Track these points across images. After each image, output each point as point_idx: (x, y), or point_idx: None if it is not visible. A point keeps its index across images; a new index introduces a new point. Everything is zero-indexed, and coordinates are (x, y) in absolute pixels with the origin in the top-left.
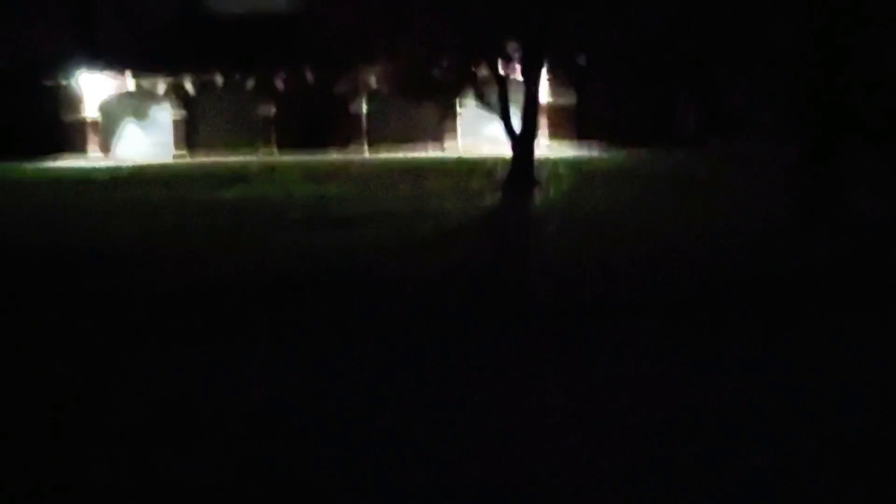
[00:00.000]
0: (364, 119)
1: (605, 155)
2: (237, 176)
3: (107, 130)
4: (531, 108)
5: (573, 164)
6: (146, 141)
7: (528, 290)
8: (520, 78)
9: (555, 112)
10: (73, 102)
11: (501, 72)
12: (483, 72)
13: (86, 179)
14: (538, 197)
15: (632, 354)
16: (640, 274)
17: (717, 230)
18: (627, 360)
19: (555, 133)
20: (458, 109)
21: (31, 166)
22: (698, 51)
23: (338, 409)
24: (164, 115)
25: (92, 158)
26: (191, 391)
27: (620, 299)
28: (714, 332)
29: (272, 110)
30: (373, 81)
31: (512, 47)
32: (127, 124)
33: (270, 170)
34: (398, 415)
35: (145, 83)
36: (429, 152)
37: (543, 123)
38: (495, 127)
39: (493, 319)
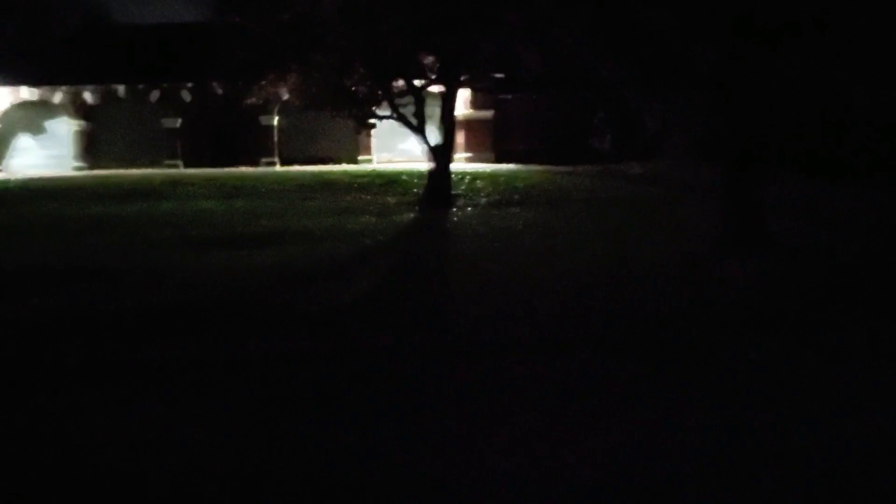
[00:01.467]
0: (276, 132)
1: (522, 171)
2: (138, 190)
3: (1, 143)
4: (448, 123)
5: (491, 180)
6: (44, 153)
7: (439, 321)
8: (436, 91)
9: (473, 126)
10: None
11: (417, 85)
12: (399, 84)
13: None
14: (454, 214)
15: (548, 395)
16: (556, 303)
17: (635, 253)
18: (543, 402)
19: (472, 147)
20: (374, 123)
21: None
22: (616, 73)
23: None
24: (64, 127)
25: None
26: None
27: (536, 333)
28: (638, 368)
29: (178, 122)
30: (285, 93)
31: (428, 62)
32: (23, 136)
33: (174, 183)
34: (277, 475)
35: (43, 93)
36: (343, 166)
37: (461, 138)
38: (411, 141)
39: (400, 356)
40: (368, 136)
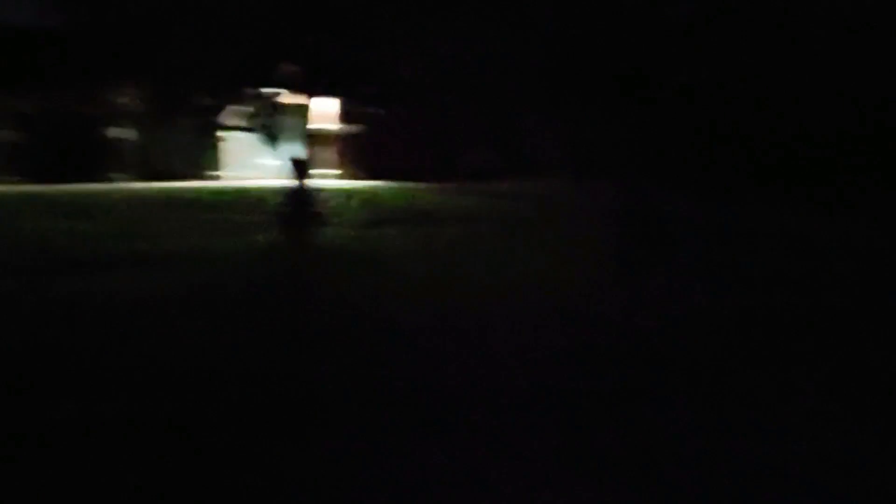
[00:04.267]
0: (126, 146)
1: (395, 188)
2: None
3: None
4: (309, 137)
5: (359, 198)
6: None
7: (286, 380)
8: (297, 102)
9: (339, 141)
10: None
11: (274, 95)
12: (253, 93)
13: None
14: (317, 234)
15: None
16: (427, 353)
17: (524, 282)
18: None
19: (339, 163)
20: (225, 136)
21: None
22: (500, 81)
23: None
24: None
25: None
26: None
27: (418, 391)
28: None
29: (16, 135)
30: (132, 103)
31: (287, 69)
32: None
33: (1, 202)
34: None
35: None
36: (199, 183)
37: (327, 153)
38: (269, 156)
39: (242, 428)
40: (224, 150)
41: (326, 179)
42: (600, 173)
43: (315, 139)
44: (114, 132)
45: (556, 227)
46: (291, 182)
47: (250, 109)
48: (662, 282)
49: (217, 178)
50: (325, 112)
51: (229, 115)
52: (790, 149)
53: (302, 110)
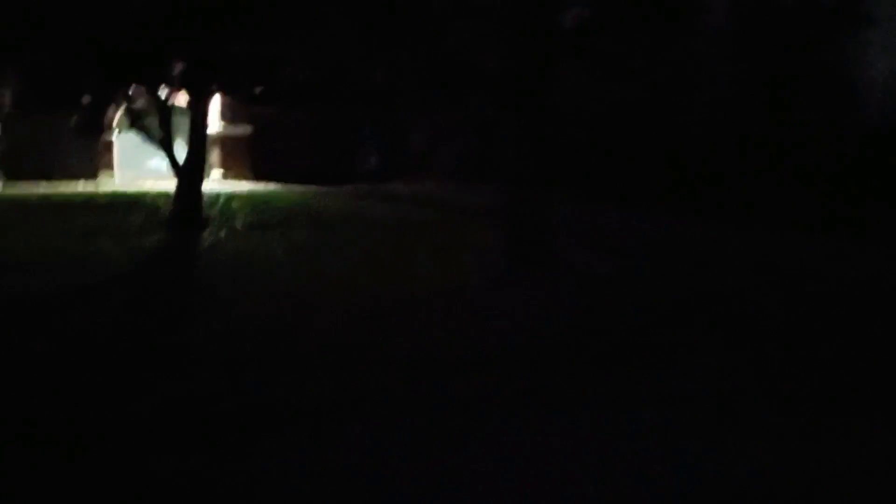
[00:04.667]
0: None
1: (283, 191)
2: None
3: None
4: (197, 137)
5: (248, 200)
6: None
7: (180, 391)
8: (185, 101)
9: (228, 143)
10: None
11: (159, 92)
12: (137, 91)
13: None
14: (206, 237)
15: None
16: (337, 351)
17: (405, 283)
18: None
19: (228, 165)
20: (114, 137)
21: None
22: (390, 80)
23: None
24: None
25: None
26: None
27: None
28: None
29: None
30: (5, 98)
31: (172, 65)
32: None
33: None
34: None
35: None
36: (82, 184)
37: (215, 155)
38: (158, 158)
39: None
40: (108, 151)
41: (214, 181)
42: (491, 177)
43: (204, 140)
44: None
45: (447, 230)
46: (179, 184)
47: (138, 109)
48: (546, 285)
49: (105, 179)
50: (213, 112)
51: (117, 115)
52: (675, 160)
53: (190, 110)
